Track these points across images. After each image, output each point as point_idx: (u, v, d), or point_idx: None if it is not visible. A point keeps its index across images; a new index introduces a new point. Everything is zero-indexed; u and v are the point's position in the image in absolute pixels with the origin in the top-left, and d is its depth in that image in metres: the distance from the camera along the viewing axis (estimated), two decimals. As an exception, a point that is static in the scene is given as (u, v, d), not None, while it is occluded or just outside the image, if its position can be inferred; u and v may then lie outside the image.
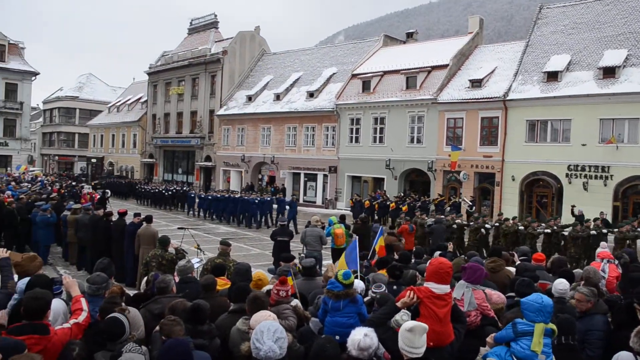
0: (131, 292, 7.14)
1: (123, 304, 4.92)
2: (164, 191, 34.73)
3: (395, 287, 6.48)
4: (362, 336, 3.76)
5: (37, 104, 78.90)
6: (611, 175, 24.55)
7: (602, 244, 10.79)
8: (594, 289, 5.57)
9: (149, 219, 11.91)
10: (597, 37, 27.62)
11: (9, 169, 44.42)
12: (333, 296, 5.12)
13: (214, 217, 28.18)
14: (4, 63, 45.38)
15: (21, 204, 16.11)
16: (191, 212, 31.23)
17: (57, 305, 4.71)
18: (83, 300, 4.63)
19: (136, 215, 12.29)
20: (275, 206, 27.47)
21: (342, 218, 14.72)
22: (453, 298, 4.56)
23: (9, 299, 4.85)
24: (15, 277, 5.56)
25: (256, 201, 26.10)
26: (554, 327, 4.20)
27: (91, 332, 4.52)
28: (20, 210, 15.38)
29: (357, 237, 11.15)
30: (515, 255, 9.15)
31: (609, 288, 7.28)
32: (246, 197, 26.82)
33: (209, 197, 28.98)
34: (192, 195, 31.76)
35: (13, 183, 26.65)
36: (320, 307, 5.40)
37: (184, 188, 36.19)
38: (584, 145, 25.25)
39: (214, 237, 21.06)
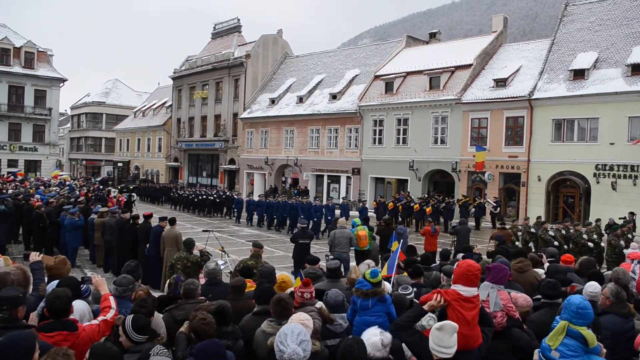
0: (156, 294, 7.23)
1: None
2: (204, 196, 31.85)
3: (416, 289, 6.43)
4: (377, 335, 3.87)
5: (65, 110, 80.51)
6: (641, 174, 24.04)
7: (633, 244, 10.57)
8: (622, 290, 5.40)
9: (172, 221, 12.02)
10: (625, 34, 27.07)
11: (38, 173, 45.38)
12: (362, 295, 5.13)
13: (271, 225, 25.27)
14: (33, 70, 46.40)
15: (51, 207, 16.44)
16: (234, 217, 29.12)
17: (81, 306, 4.80)
18: (111, 299, 4.72)
19: (162, 219, 12.40)
20: (338, 212, 25.15)
21: (366, 220, 14.67)
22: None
23: (39, 301, 4.95)
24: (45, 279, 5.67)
25: (320, 207, 23.61)
26: (585, 333, 4.06)
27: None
28: (50, 214, 15.70)
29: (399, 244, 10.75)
30: (544, 256, 9.01)
31: (640, 290, 7.09)
32: (309, 203, 24.06)
33: (262, 203, 26.08)
34: (241, 200, 28.95)
35: (42, 187, 27.22)
36: (327, 303, 5.38)
37: (227, 192, 33.47)
38: (612, 144, 24.75)
39: (237, 239, 21.22)
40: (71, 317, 4.31)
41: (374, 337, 3.83)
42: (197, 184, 48.07)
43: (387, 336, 3.88)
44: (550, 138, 27.01)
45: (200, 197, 31.92)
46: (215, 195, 31.68)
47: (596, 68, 26.45)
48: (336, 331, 5.01)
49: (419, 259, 8.57)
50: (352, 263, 12.39)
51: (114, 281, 5.49)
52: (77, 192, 24.73)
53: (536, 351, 4.28)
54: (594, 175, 25.39)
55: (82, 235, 15.19)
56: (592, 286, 5.59)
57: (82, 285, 5.47)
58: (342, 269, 9.76)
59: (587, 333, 4.03)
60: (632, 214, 19.28)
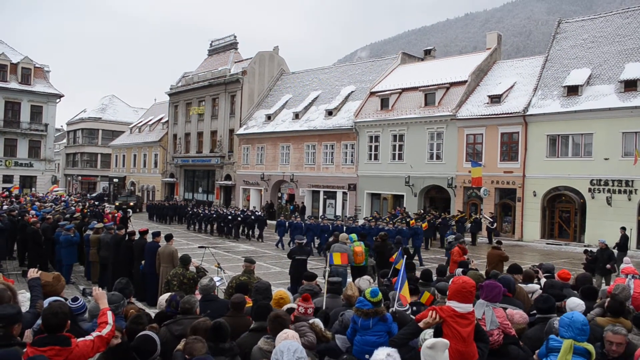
0: (151, 311, 7.19)
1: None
2: (230, 216, 28.50)
3: (414, 307, 6.42)
4: (384, 356, 3.71)
5: (61, 125, 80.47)
6: (635, 190, 24.12)
7: (626, 259, 10.59)
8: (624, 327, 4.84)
9: (168, 237, 11.98)
10: (617, 50, 27.37)
11: (33, 189, 45.21)
12: (362, 314, 5.10)
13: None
14: (29, 86, 46.42)
15: (47, 224, 16.36)
16: (259, 239, 27.02)
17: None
18: (109, 314, 4.62)
19: (156, 235, 12.36)
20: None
21: (362, 236, 14.66)
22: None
23: (36, 319, 4.91)
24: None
25: (393, 232, 19.80)
26: (589, 348, 4.10)
27: (119, 349, 4.55)
28: (46, 230, 15.63)
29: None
30: (540, 272, 9.04)
31: (635, 305, 7.10)
32: (377, 227, 20.49)
33: (313, 226, 22.84)
34: (283, 222, 24.57)
35: (38, 203, 27.11)
36: (345, 324, 5.38)
37: (257, 212, 29.94)
38: (606, 159, 24.90)
39: (234, 255, 21.14)
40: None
41: (379, 355, 3.73)
42: (193, 199, 47.93)
43: None
44: (545, 153, 27.15)
45: (226, 217, 28.62)
46: (242, 215, 28.34)
47: (589, 84, 26.69)
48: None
49: (417, 275, 8.56)
50: (349, 279, 12.36)
51: (104, 298, 5.45)
52: (73, 208, 24.64)
53: None
54: (589, 190, 25.48)
55: (77, 251, 15.12)
56: (575, 304, 5.53)
57: (77, 302, 5.44)
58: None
59: (591, 347, 4.11)
60: (623, 228, 19.26)
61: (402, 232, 20.00)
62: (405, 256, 7.51)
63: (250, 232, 28.09)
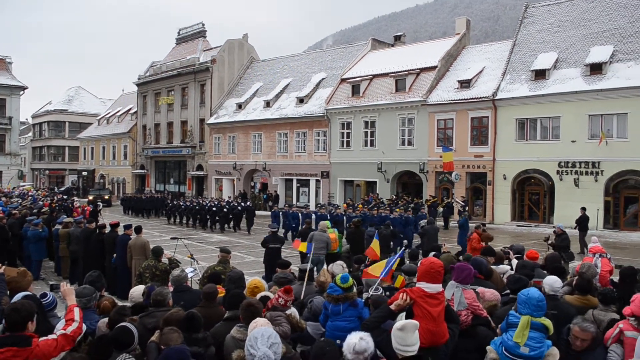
0: (122, 304, 7.09)
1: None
2: (214, 207, 27.14)
3: (388, 292, 6.46)
4: (357, 339, 3.71)
5: (26, 119, 78.55)
6: (601, 171, 24.68)
7: (593, 238, 10.84)
8: (593, 325, 4.65)
9: (138, 230, 11.83)
10: (583, 35, 27.83)
11: (-1, 184, 44.15)
12: (333, 300, 5.13)
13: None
14: (-9, 78, 45.15)
15: (14, 219, 15.99)
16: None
17: None
18: (77, 310, 4.46)
19: (127, 227, 12.19)
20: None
21: (336, 223, 14.70)
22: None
23: (2, 316, 4.79)
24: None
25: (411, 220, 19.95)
26: (546, 323, 4.23)
27: (98, 342, 4.47)
28: (12, 225, 15.27)
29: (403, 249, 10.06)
30: (511, 253, 9.21)
31: (602, 283, 7.30)
32: (382, 215, 20.07)
33: (306, 215, 21.69)
34: (277, 213, 23.73)
35: (4, 198, 26.46)
36: (314, 311, 5.39)
37: (242, 202, 28.82)
38: (573, 141, 25.39)
39: (207, 246, 21.00)
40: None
41: (352, 339, 3.73)
42: (165, 190, 47.41)
43: (363, 345, 3.68)
44: (514, 137, 27.55)
45: (210, 209, 27.27)
46: (227, 207, 27.24)
47: (556, 68, 27.11)
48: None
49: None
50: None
51: (75, 293, 5.35)
52: (41, 203, 24.12)
53: (491, 349, 4.35)
54: (557, 172, 25.98)
55: (46, 246, 14.82)
56: (554, 281, 5.66)
57: (47, 297, 5.35)
58: (316, 272, 9.79)
59: (548, 322, 4.27)
60: (583, 209, 19.74)
61: (409, 221, 20.04)
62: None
63: (234, 224, 26.96)
